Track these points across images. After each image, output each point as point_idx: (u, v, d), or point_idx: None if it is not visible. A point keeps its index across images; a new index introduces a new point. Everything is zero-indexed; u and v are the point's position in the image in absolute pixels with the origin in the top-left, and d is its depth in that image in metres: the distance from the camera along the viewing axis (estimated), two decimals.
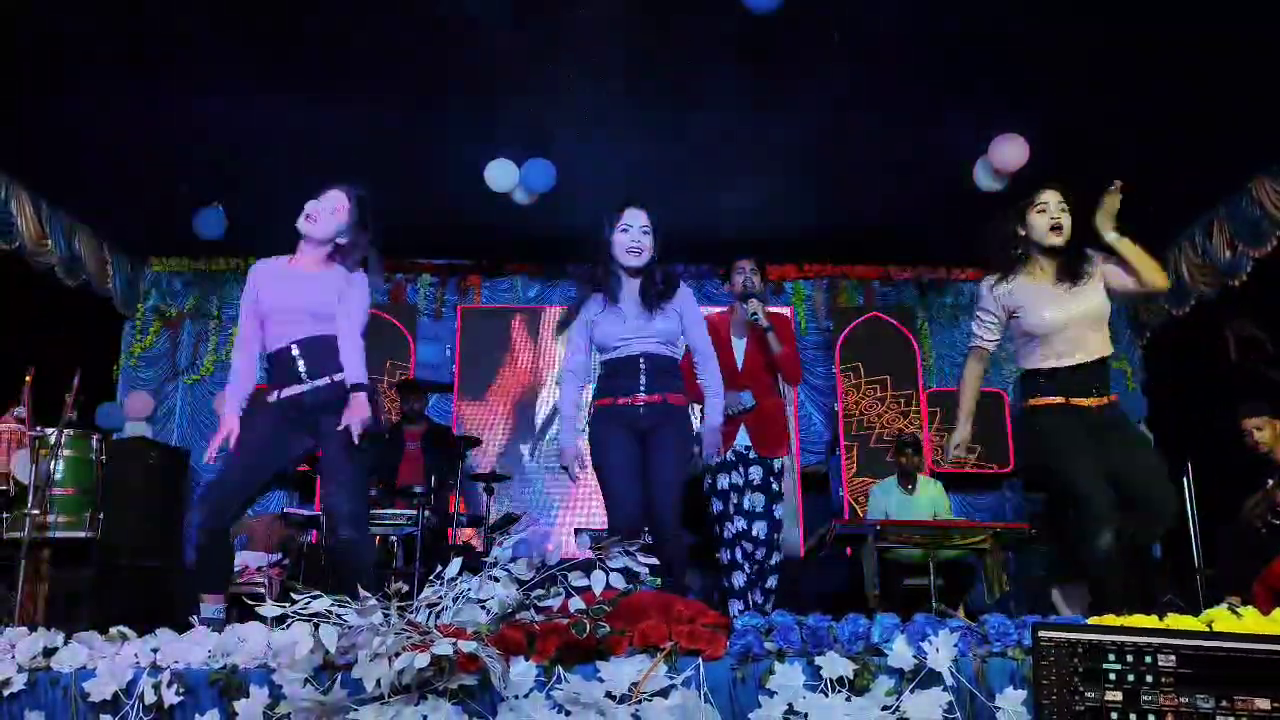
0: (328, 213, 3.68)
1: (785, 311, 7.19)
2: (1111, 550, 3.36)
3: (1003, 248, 3.68)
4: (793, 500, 5.84)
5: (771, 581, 4.65)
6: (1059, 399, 3.51)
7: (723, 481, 4.69)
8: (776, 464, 4.72)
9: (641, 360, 3.74)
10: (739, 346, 4.74)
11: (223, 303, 8.24)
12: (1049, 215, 3.58)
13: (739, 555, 4.64)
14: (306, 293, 3.61)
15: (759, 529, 4.62)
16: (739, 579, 4.63)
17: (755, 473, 4.66)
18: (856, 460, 7.79)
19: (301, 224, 3.65)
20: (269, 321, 3.63)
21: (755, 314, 4.59)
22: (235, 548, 6.65)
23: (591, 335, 3.85)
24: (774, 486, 4.68)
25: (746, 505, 4.64)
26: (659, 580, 3.73)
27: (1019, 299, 3.59)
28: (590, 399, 3.91)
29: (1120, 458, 3.45)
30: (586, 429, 3.87)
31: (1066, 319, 3.51)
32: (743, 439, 4.66)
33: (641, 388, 3.72)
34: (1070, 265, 3.56)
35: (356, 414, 3.46)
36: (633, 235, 3.78)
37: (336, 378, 3.56)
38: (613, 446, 3.72)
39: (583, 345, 3.90)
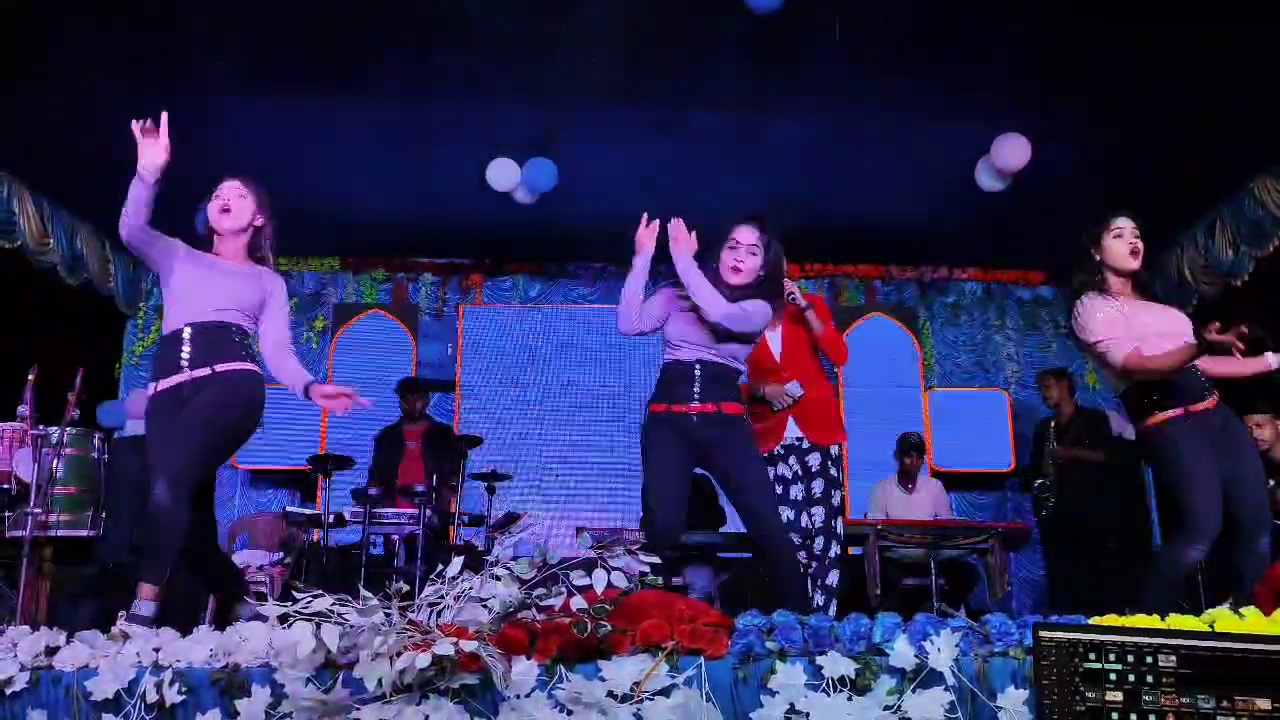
0: (237, 197, 3.65)
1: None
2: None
3: (1082, 273, 3.78)
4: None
5: (833, 578, 4.39)
6: (1179, 410, 3.54)
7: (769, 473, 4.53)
8: (834, 450, 4.50)
9: (697, 367, 3.69)
10: (773, 338, 4.53)
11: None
12: (1126, 240, 3.70)
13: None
14: (226, 286, 3.57)
15: (817, 515, 4.38)
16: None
17: (814, 459, 4.44)
18: (858, 460, 7.78)
19: (214, 215, 3.61)
20: (172, 303, 3.55)
21: (792, 294, 4.43)
22: (238, 547, 6.68)
23: (664, 319, 3.81)
24: (833, 472, 4.47)
25: (795, 495, 4.40)
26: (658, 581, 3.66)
27: (1125, 309, 3.63)
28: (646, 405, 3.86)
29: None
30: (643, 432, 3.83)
31: (1169, 329, 3.60)
32: (792, 430, 4.44)
33: (696, 396, 3.66)
34: (1146, 286, 3.73)
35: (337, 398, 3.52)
36: (738, 254, 3.75)
37: (219, 368, 3.47)
38: (663, 456, 3.67)
39: (645, 304, 3.84)
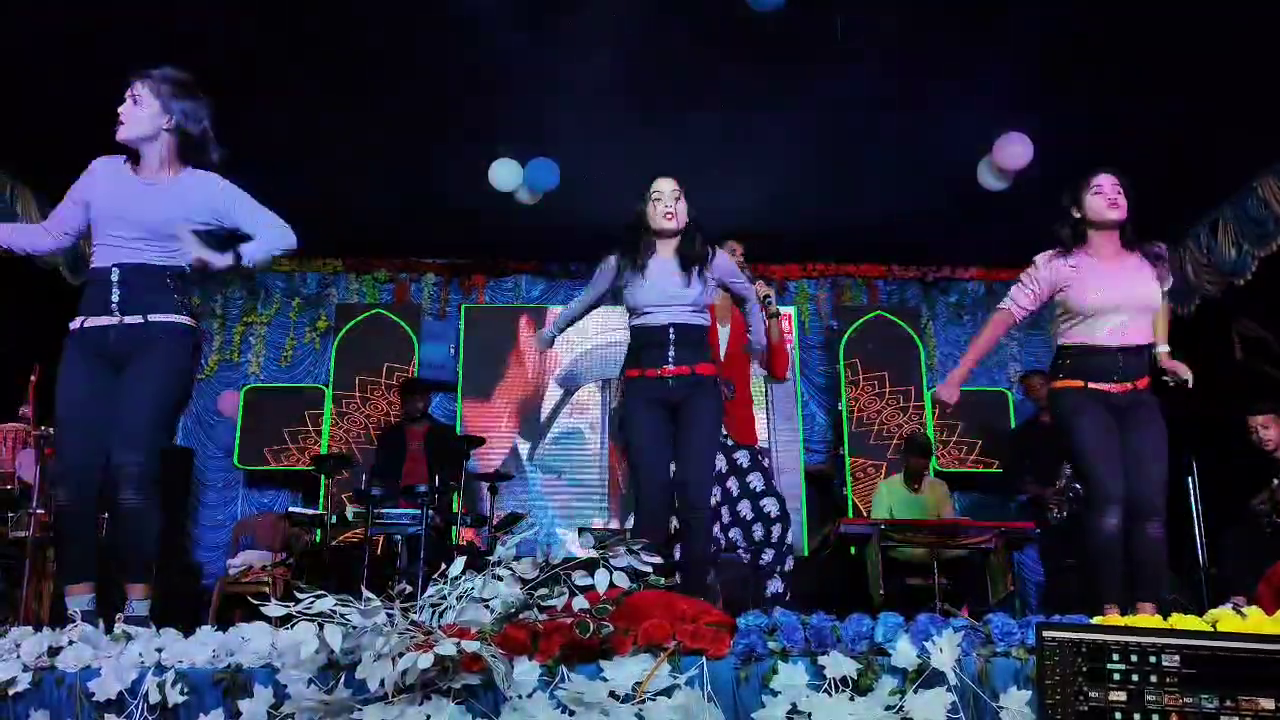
0: (130, 107, 3.24)
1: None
2: (1115, 535, 3.47)
3: (1061, 227, 3.83)
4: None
5: (789, 564, 4.43)
6: (1079, 382, 3.65)
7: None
8: (758, 449, 4.64)
9: (671, 330, 3.74)
10: (722, 333, 4.60)
11: (226, 302, 8.26)
12: (1105, 195, 3.71)
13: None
14: (146, 207, 3.17)
15: (770, 506, 4.43)
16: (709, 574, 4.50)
17: (743, 457, 4.53)
18: (859, 460, 7.79)
19: (119, 135, 3.23)
20: (97, 233, 3.21)
21: (769, 296, 4.53)
22: (241, 547, 6.68)
23: (623, 296, 3.89)
24: (765, 463, 4.61)
25: (736, 490, 4.47)
26: (673, 572, 3.66)
27: (1070, 275, 3.70)
28: (620, 370, 3.94)
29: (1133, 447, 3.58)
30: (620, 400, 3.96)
31: (1112, 302, 3.64)
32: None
33: (670, 359, 3.72)
34: (1131, 241, 3.73)
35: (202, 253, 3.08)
36: (664, 203, 3.80)
37: (152, 318, 3.15)
38: (644, 423, 3.74)
39: (587, 299, 4.05)
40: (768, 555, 4.39)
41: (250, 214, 3.33)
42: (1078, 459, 3.68)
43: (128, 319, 3.15)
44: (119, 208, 3.19)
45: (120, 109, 3.25)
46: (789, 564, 4.44)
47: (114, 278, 3.15)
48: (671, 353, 3.72)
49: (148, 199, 3.20)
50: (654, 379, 3.73)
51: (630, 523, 7.38)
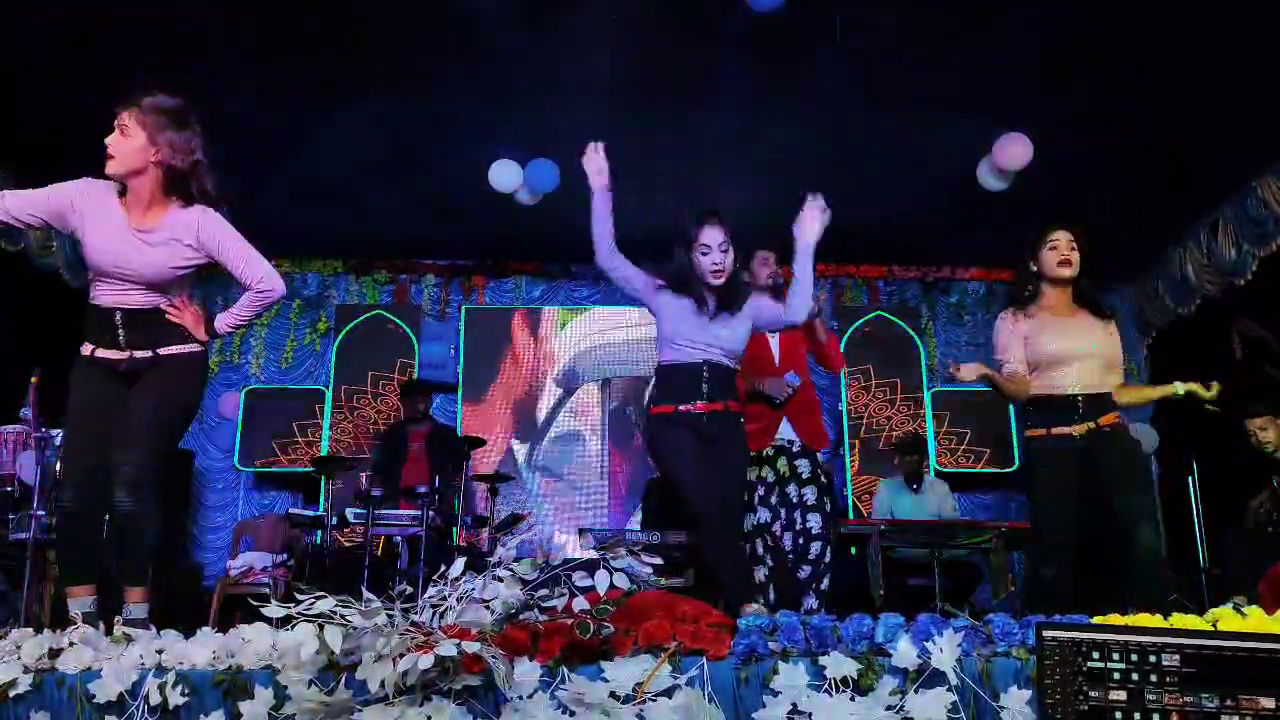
0: (116, 139, 3.18)
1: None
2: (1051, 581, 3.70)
3: (1019, 284, 4.01)
4: None
5: (826, 583, 4.42)
6: (1042, 430, 3.82)
7: (751, 473, 4.52)
8: (821, 456, 4.65)
9: (705, 369, 3.76)
10: (772, 338, 4.61)
11: (227, 303, 8.23)
12: (1060, 251, 3.85)
13: (760, 549, 4.51)
14: (142, 262, 3.16)
15: (813, 521, 4.44)
16: (760, 573, 4.53)
17: (803, 465, 4.52)
18: (861, 459, 7.79)
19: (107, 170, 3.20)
20: (93, 270, 3.22)
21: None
22: (241, 549, 6.68)
23: (655, 306, 3.90)
24: (823, 479, 4.57)
25: (775, 499, 4.50)
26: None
27: (1027, 329, 3.88)
28: (646, 405, 3.98)
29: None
30: (646, 432, 3.96)
31: (1069, 351, 3.80)
32: (786, 432, 4.54)
33: (704, 395, 3.74)
34: (1083, 296, 3.89)
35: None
36: (713, 257, 3.79)
37: (161, 351, 3.22)
38: (680, 454, 3.73)
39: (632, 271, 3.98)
40: (805, 571, 4.41)
41: (234, 255, 3.29)
42: (1031, 509, 3.94)
43: (137, 354, 3.23)
44: (115, 260, 3.18)
45: (108, 140, 3.20)
46: (826, 582, 4.41)
47: (119, 319, 3.21)
48: (706, 389, 3.75)
49: (142, 253, 3.18)
50: (687, 414, 3.74)
51: (631, 523, 7.39)
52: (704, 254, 3.80)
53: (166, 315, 3.26)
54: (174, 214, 3.23)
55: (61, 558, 3.31)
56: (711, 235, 3.79)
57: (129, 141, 3.18)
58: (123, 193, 3.24)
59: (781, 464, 4.53)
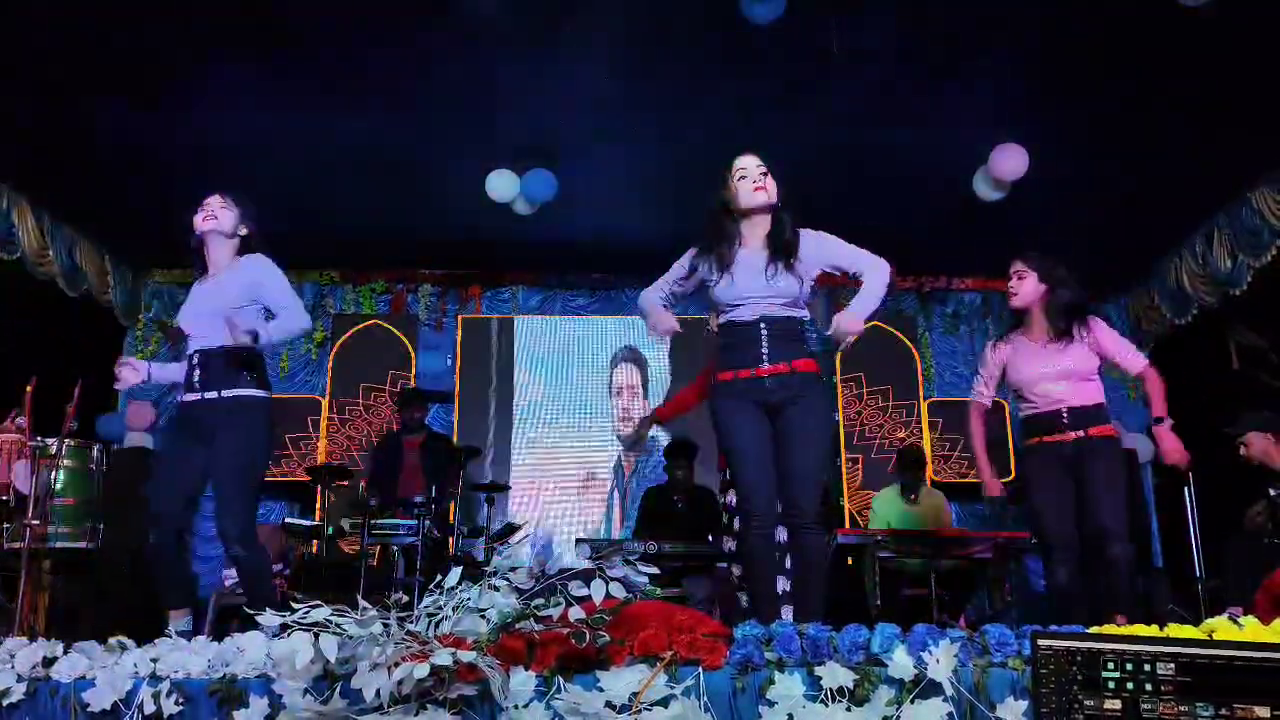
0: (219, 209, 3.91)
1: None
2: (1066, 584, 3.92)
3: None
4: None
5: (780, 585, 4.27)
6: (1035, 439, 4.12)
7: (727, 499, 4.57)
8: None
9: (762, 324, 3.40)
10: None
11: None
12: (1012, 286, 4.26)
13: (736, 576, 4.52)
14: (216, 296, 3.80)
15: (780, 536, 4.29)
16: (742, 600, 4.53)
17: None
18: (859, 470, 7.79)
19: (200, 223, 3.88)
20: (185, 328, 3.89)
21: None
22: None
23: (709, 294, 3.53)
24: None
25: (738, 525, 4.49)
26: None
27: (1008, 356, 4.23)
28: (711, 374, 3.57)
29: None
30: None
31: (1040, 375, 4.10)
32: None
33: (765, 357, 3.37)
34: (1055, 325, 4.14)
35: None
36: (752, 176, 3.49)
37: (226, 393, 3.71)
38: (739, 428, 3.36)
39: (665, 289, 3.69)
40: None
41: (278, 294, 3.83)
42: (1031, 516, 4.16)
43: (208, 395, 3.73)
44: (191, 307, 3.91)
45: (210, 207, 3.92)
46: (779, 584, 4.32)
47: (195, 361, 3.77)
48: (766, 348, 3.38)
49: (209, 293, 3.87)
50: (749, 380, 3.37)
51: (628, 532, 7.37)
52: (740, 177, 3.49)
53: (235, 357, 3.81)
54: (239, 262, 3.97)
55: (158, 586, 3.73)
56: (745, 160, 3.53)
57: (228, 213, 3.99)
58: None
59: None
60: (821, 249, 3.57)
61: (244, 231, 3.93)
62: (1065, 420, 4.04)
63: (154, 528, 3.67)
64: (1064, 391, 4.06)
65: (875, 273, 3.57)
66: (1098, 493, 3.94)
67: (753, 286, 3.43)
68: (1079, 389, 4.07)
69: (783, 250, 3.46)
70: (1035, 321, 4.19)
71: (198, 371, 3.74)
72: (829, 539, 5.36)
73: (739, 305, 3.44)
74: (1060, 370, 4.08)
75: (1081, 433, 4.00)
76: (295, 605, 2.22)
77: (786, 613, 4.20)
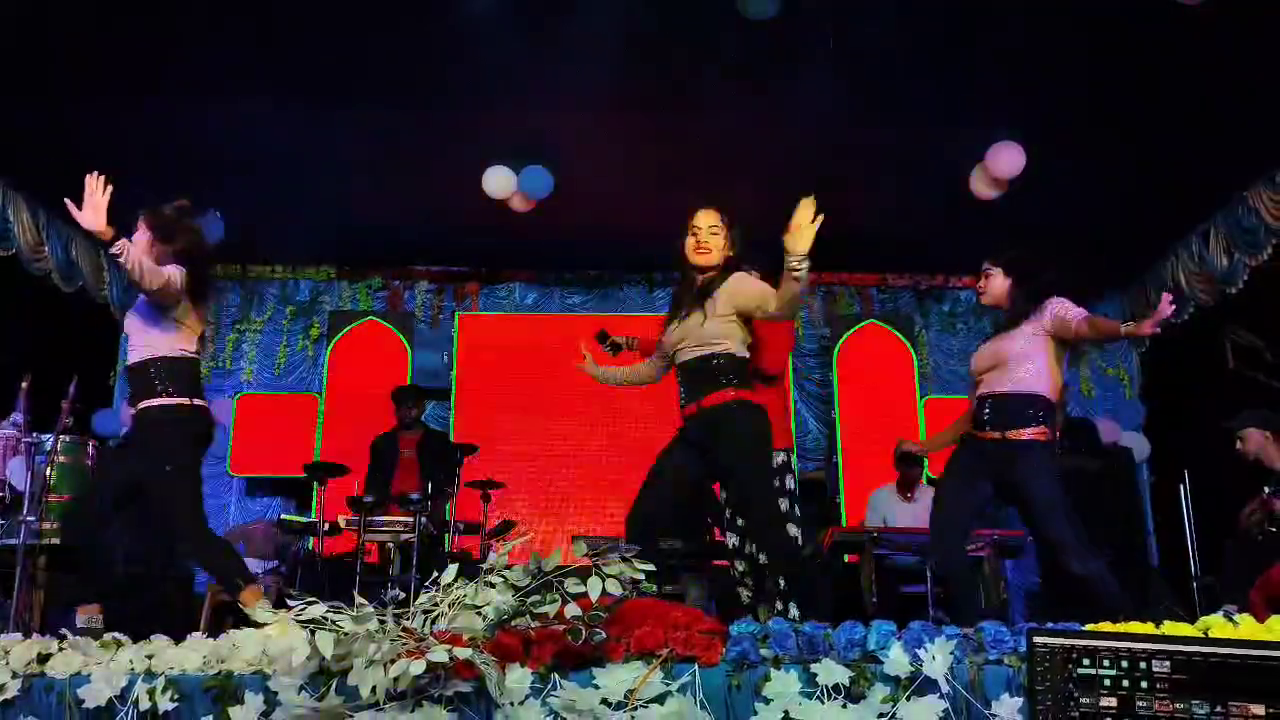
0: (136, 237, 3.79)
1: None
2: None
3: None
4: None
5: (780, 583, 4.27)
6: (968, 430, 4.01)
7: (724, 496, 4.52)
8: (779, 457, 4.43)
9: (682, 371, 3.64)
10: None
11: (220, 309, 8.23)
12: (979, 285, 4.14)
13: (737, 572, 4.49)
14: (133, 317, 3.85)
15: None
16: (743, 595, 4.51)
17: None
18: (853, 467, 7.78)
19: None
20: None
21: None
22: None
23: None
24: (774, 483, 4.32)
25: (739, 522, 4.41)
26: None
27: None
28: None
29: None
30: None
31: (977, 364, 4.03)
32: None
33: (683, 399, 3.62)
34: (1000, 319, 4.08)
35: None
36: (700, 236, 3.64)
37: (140, 405, 3.78)
38: (665, 451, 3.64)
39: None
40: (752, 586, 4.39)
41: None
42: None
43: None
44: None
45: None
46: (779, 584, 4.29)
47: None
48: (683, 392, 3.61)
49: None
50: (682, 420, 3.64)
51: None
52: (693, 232, 3.65)
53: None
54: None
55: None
56: (700, 217, 3.66)
57: (139, 235, 3.90)
58: None
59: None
60: (735, 286, 3.60)
61: (159, 249, 3.80)
62: (987, 415, 3.83)
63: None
64: (993, 377, 3.86)
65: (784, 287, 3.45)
66: (1035, 504, 3.71)
67: (674, 333, 3.66)
68: (1006, 375, 3.82)
69: (698, 296, 3.61)
70: (1007, 318, 4.03)
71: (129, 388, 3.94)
72: (812, 550, 5.37)
73: (677, 351, 3.65)
74: (991, 351, 3.92)
75: (999, 434, 3.76)
76: (292, 602, 2.22)
77: (792, 608, 4.21)
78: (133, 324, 3.89)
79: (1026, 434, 3.74)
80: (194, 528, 3.76)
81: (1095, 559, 3.61)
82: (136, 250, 3.58)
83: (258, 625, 2.41)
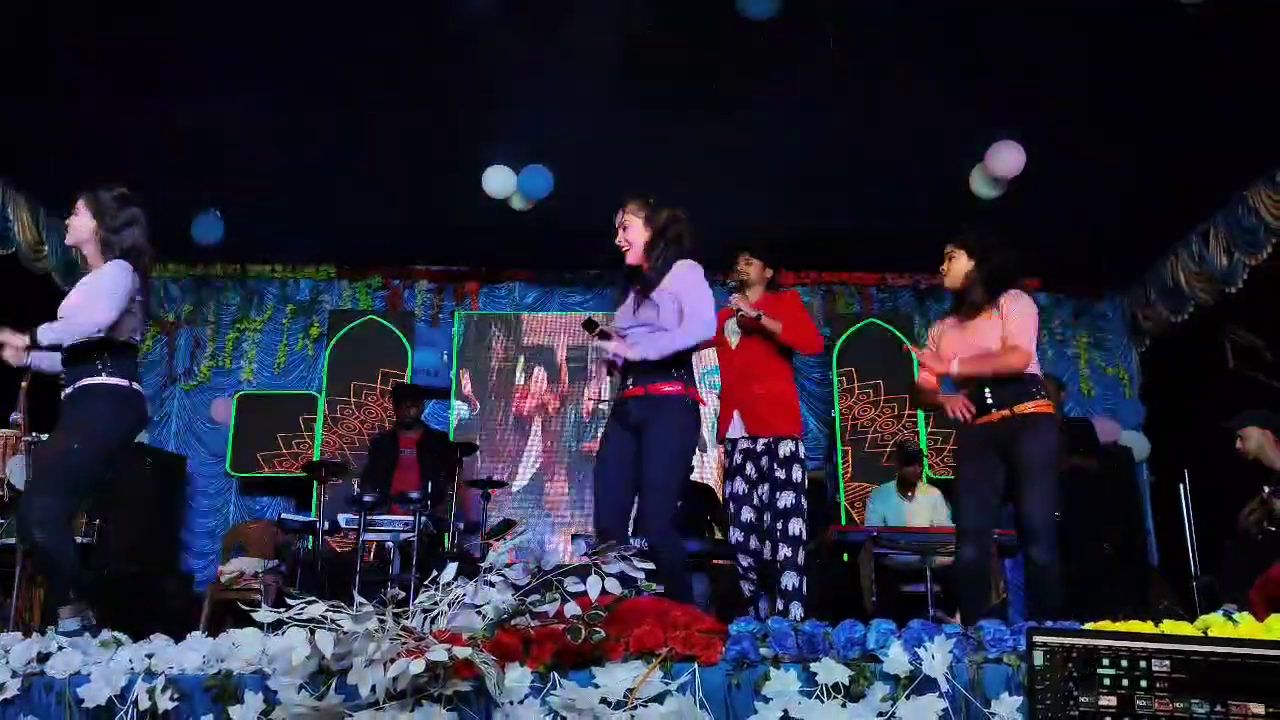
0: (73, 219, 3.82)
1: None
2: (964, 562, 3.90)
3: None
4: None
5: (789, 581, 4.30)
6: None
7: (728, 489, 4.56)
8: (784, 448, 4.45)
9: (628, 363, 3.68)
10: (734, 341, 4.63)
11: (220, 308, 8.24)
12: (944, 267, 4.21)
13: (741, 566, 4.52)
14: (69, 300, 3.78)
15: (768, 521, 4.39)
16: (745, 589, 4.53)
17: (765, 462, 4.45)
18: (853, 466, 7.79)
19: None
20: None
21: (739, 309, 4.50)
22: (232, 555, 6.67)
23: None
24: (778, 474, 4.41)
25: (745, 515, 4.48)
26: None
27: (941, 333, 4.25)
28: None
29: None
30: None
31: (944, 348, 4.13)
32: (737, 428, 4.51)
33: (629, 382, 3.65)
34: (964, 304, 4.12)
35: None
36: (619, 237, 3.77)
37: (79, 384, 3.72)
38: (605, 439, 3.72)
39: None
40: (784, 550, 4.35)
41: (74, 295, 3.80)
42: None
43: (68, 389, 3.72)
44: None
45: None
46: (787, 580, 4.32)
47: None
48: (630, 375, 3.65)
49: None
50: (619, 401, 3.69)
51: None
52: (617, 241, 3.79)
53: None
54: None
55: None
56: (618, 218, 3.77)
57: (78, 219, 3.88)
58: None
59: (742, 476, 4.53)
60: (678, 280, 3.66)
61: (101, 236, 3.83)
62: (989, 398, 3.93)
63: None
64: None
65: (690, 328, 3.61)
66: (1024, 490, 3.82)
67: (622, 320, 3.78)
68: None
69: (642, 285, 3.70)
70: (962, 303, 4.14)
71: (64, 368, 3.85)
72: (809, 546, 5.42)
73: (623, 337, 3.75)
74: (968, 345, 4.01)
75: (1008, 410, 3.88)
76: (291, 601, 2.22)
77: (795, 609, 4.23)
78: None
79: (1031, 407, 3.86)
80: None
81: (1054, 555, 3.75)
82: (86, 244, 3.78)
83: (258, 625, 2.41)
